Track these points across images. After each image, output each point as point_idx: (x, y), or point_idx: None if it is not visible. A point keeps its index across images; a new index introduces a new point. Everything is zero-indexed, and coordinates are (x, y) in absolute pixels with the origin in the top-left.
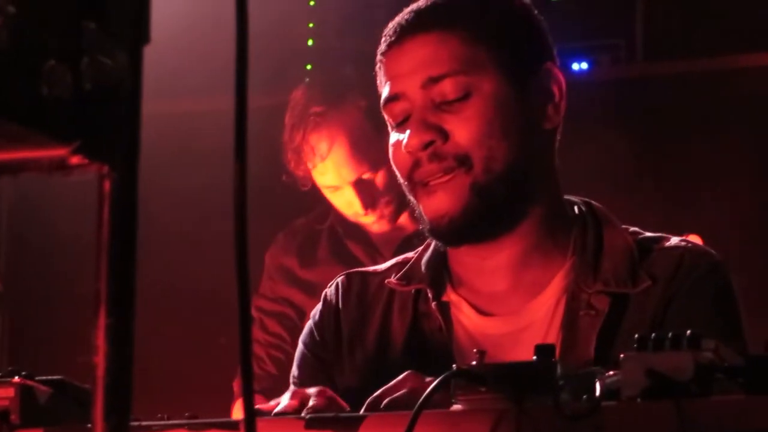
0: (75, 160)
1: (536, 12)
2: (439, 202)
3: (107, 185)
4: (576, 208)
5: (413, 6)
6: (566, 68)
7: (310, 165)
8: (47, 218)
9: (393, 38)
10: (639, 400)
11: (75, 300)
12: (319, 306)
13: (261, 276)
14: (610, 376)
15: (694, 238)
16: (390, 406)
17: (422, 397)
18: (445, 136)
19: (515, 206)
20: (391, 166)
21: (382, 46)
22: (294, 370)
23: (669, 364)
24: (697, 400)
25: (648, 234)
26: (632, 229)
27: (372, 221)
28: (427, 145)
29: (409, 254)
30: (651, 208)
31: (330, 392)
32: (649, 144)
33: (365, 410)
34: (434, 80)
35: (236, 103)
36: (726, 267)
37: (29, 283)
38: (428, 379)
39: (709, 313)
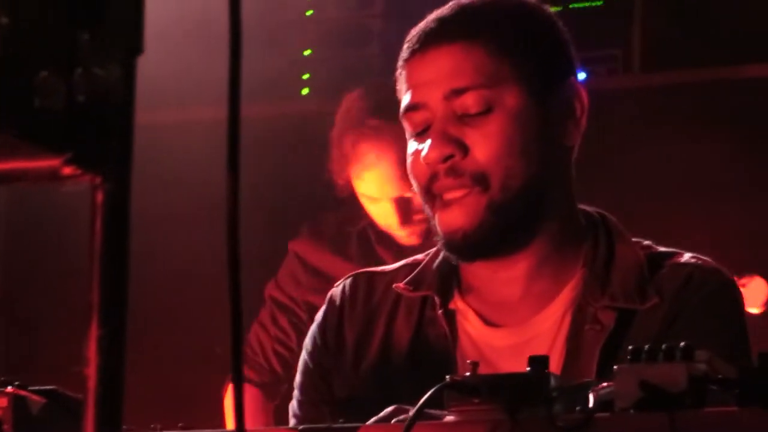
0: (68, 170)
1: (561, 23)
2: (454, 217)
3: (100, 196)
4: (589, 219)
5: (437, 13)
6: None
7: (353, 172)
8: (41, 228)
9: (416, 46)
10: (632, 411)
11: (68, 310)
12: (323, 306)
13: (282, 262)
14: (603, 387)
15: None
16: None
17: (416, 407)
18: (464, 150)
19: (531, 223)
20: None
21: (405, 53)
22: (297, 377)
23: (662, 375)
24: (690, 411)
25: (661, 249)
26: (645, 242)
27: (404, 235)
28: (446, 159)
29: (419, 256)
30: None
31: None
32: (646, 154)
33: None
34: (457, 92)
35: (229, 111)
36: (736, 286)
37: (22, 293)
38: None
39: (715, 331)
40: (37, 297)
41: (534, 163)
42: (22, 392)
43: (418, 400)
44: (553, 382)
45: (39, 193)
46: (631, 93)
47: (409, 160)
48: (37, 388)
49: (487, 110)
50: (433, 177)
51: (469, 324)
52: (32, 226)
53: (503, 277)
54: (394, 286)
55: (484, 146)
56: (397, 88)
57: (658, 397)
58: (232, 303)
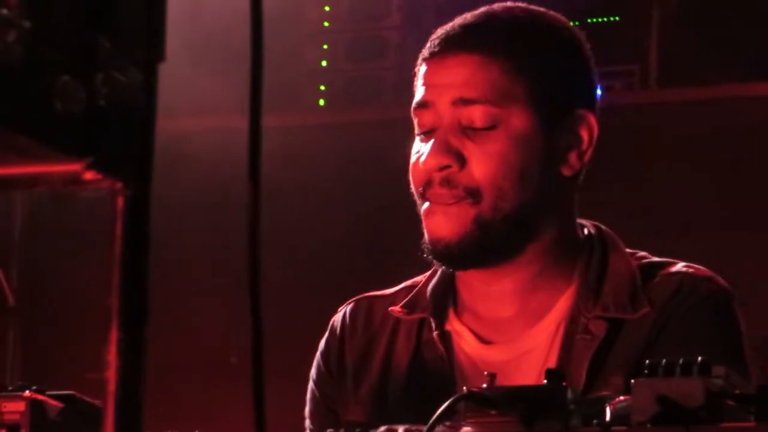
0: (88, 175)
1: (587, 47)
2: (440, 226)
3: (120, 201)
4: (585, 231)
5: (465, 19)
6: None
7: None
8: (60, 234)
9: (437, 48)
10: (649, 425)
11: (85, 317)
12: (326, 334)
13: None
14: (620, 401)
15: None
16: None
17: (433, 418)
18: (462, 162)
19: (515, 243)
20: None
21: (426, 52)
22: (307, 406)
23: (679, 390)
24: (706, 427)
25: (655, 259)
26: (640, 253)
27: None
28: (442, 168)
29: (419, 278)
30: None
31: None
32: (660, 169)
33: None
34: (465, 102)
35: (250, 122)
36: (729, 293)
37: (41, 299)
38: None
39: (705, 339)
40: (55, 303)
41: (529, 190)
42: (40, 397)
43: (417, 423)
44: (570, 394)
45: (58, 197)
46: (647, 108)
47: (411, 159)
48: (54, 392)
49: (491, 127)
50: (429, 183)
51: (465, 343)
52: (52, 231)
53: (497, 291)
54: (390, 309)
55: (481, 163)
56: (414, 83)
57: (675, 411)
58: (252, 309)
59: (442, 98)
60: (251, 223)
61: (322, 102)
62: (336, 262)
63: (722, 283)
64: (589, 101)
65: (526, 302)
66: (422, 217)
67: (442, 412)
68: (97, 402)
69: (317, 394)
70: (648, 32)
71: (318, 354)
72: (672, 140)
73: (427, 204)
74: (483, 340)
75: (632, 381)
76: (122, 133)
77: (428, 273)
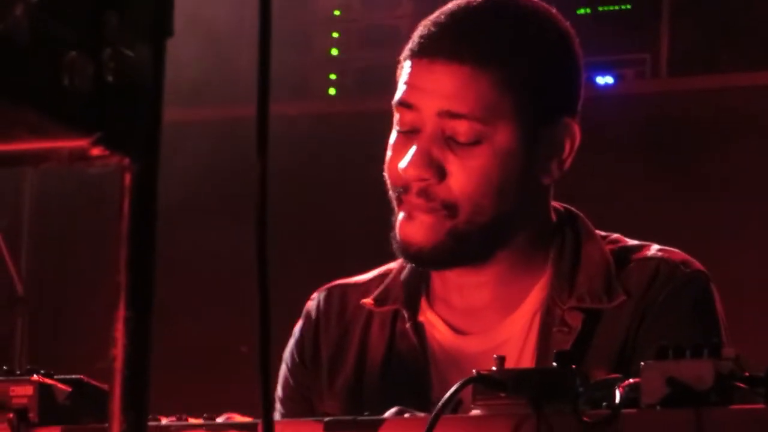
0: (96, 151)
1: (576, 44)
2: (414, 233)
3: (128, 177)
4: (557, 216)
5: (454, 16)
6: (591, 82)
7: None
8: (69, 221)
9: (425, 48)
10: (658, 408)
11: (94, 306)
12: (300, 322)
13: None
14: (629, 383)
15: None
16: None
17: (442, 401)
18: (442, 175)
19: (489, 249)
20: None
21: (414, 46)
22: (278, 390)
23: (689, 372)
24: (716, 408)
25: (628, 242)
26: (613, 236)
27: None
28: (421, 179)
29: (392, 265)
30: (671, 224)
31: None
32: (672, 159)
33: None
34: (452, 115)
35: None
36: (706, 276)
37: (49, 288)
38: None
39: (685, 325)
40: (63, 291)
41: (507, 203)
42: (49, 381)
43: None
44: (579, 377)
45: (66, 183)
46: (659, 97)
47: (388, 153)
48: (62, 377)
49: (475, 142)
50: (406, 188)
51: (439, 333)
52: (61, 218)
53: (470, 283)
54: (362, 302)
55: (461, 178)
56: (398, 71)
57: (685, 393)
58: (261, 296)
59: (428, 105)
60: (259, 209)
61: (332, 91)
62: (344, 252)
63: (698, 265)
64: (574, 107)
65: (500, 292)
66: (395, 217)
67: (452, 394)
68: (105, 386)
69: (291, 383)
70: (659, 21)
71: (292, 342)
72: (683, 129)
73: (402, 208)
74: (457, 331)
75: (642, 363)
76: (130, 109)
77: (401, 260)
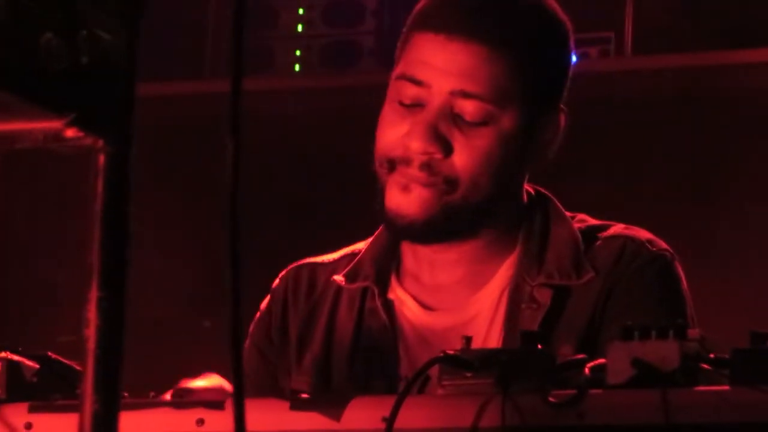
0: (70, 132)
1: (572, 36)
2: (408, 205)
3: (101, 159)
4: (528, 198)
5: None
6: None
7: None
8: (33, 197)
9: (442, 25)
10: (624, 388)
11: (56, 281)
12: (267, 300)
13: None
14: (595, 364)
15: None
16: None
17: (409, 381)
18: (447, 150)
19: (475, 227)
20: None
21: (427, 19)
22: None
23: (655, 353)
24: (682, 389)
25: (593, 222)
26: (579, 216)
27: None
28: (426, 153)
29: (359, 245)
30: (641, 202)
31: None
32: (637, 137)
33: None
34: (465, 95)
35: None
36: (671, 254)
37: (10, 265)
38: None
39: (650, 303)
40: (24, 268)
41: (501, 184)
42: (16, 357)
43: (359, 392)
44: (546, 357)
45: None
46: (623, 75)
47: (384, 123)
48: (29, 353)
49: (482, 123)
50: (406, 160)
51: (408, 310)
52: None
53: (442, 259)
54: (333, 278)
55: (465, 156)
56: (400, 43)
57: (651, 374)
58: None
59: (441, 84)
60: (230, 186)
61: (297, 67)
62: (311, 229)
63: (662, 244)
64: (563, 96)
65: (471, 270)
66: (386, 184)
67: (417, 374)
68: (73, 363)
69: (255, 353)
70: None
71: (259, 318)
72: (646, 108)
73: (394, 180)
74: (425, 307)
75: (608, 344)
76: (104, 91)
77: (370, 239)
